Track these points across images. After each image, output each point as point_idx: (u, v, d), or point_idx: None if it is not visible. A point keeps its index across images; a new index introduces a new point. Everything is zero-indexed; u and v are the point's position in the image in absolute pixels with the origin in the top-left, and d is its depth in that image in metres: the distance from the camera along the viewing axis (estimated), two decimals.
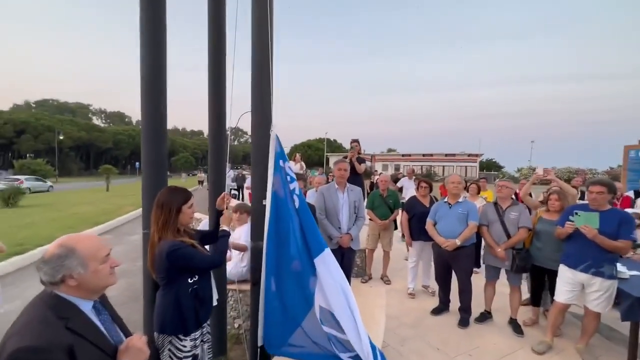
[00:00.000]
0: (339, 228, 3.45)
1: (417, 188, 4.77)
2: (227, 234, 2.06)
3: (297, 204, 2.06)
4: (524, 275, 3.76)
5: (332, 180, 3.85)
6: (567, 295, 2.98)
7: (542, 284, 3.56)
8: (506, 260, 3.46)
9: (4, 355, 0.86)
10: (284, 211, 2.04)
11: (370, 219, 4.98)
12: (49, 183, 25.62)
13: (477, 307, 3.77)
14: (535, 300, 3.67)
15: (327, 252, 2.02)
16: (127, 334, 1.22)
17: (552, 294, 3.21)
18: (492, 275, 3.69)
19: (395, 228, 5.40)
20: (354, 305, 1.91)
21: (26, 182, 22.29)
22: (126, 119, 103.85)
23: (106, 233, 9.19)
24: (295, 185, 2.10)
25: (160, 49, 2.13)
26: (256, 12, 2.08)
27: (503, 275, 3.65)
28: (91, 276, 1.08)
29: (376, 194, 5.06)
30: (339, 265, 2.03)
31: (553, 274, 3.18)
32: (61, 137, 51.58)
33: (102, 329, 1.11)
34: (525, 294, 4.02)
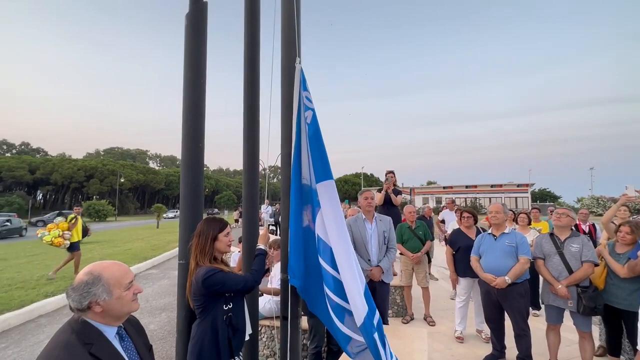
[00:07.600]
0: (369, 260, 3.30)
1: (460, 220, 4.50)
2: (263, 252, 2.06)
3: (309, 131, 1.99)
4: (595, 319, 3.22)
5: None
6: None
7: (619, 328, 3.02)
8: (570, 299, 3.00)
9: None
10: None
11: (400, 253, 4.71)
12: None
13: (540, 356, 3.27)
14: (614, 349, 3.10)
15: (332, 183, 1.94)
16: None
17: (633, 341, 2.70)
18: (554, 318, 3.19)
19: (429, 261, 5.05)
20: (349, 243, 1.89)
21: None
22: (177, 162, 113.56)
23: (153, 268, 9.68)
24: (309, 114, 2.04)
25: (199, 102, 2.34)
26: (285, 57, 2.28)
27: (568, 318, 3.16)
28: (115, 302, 1.12)
29: (404, 227, 4.83)
30: (338, 199, 1.98)
31: (631, 317, 2.69)
32: (122, 180, 57.62)
33: (124, 355, 1.13)
34: (598, 341, 3.42)
